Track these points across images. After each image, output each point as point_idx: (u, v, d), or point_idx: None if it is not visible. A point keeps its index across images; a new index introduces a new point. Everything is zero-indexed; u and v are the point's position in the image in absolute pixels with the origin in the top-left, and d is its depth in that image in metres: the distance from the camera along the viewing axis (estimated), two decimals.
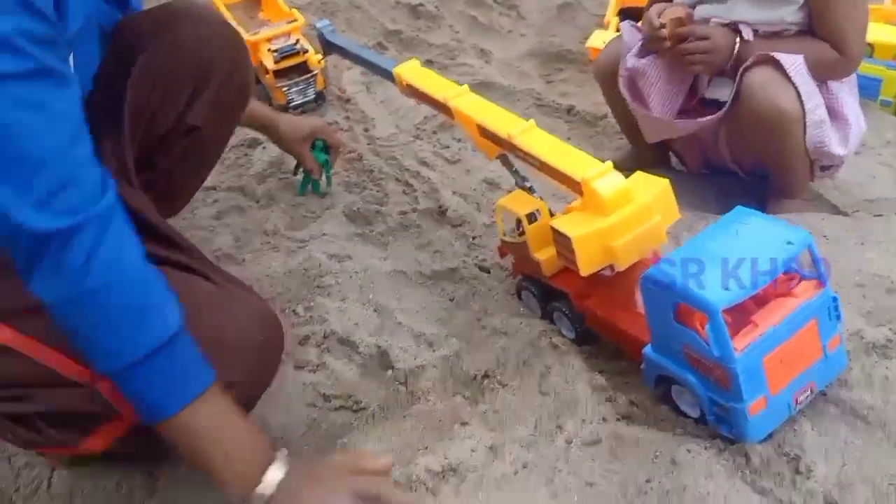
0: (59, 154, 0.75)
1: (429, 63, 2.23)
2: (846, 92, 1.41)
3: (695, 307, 0.87)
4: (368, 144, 1.79)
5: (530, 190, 1.20)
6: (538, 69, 2.30)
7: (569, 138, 1.90)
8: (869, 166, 1.63)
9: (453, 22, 2.42)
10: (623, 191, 1.01)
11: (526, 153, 1.11)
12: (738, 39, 1.38)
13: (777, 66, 1.31)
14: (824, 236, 1.30)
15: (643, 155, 1.72)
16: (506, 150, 1.17)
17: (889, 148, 1.74)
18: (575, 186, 1.04)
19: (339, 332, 1.17)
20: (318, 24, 1.61)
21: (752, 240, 0.91)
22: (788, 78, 1.30)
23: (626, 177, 1.05)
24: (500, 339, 1.15)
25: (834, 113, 1.38)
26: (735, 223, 0.95)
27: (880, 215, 1.44)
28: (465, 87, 1.25)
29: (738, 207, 0.98)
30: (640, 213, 1.00)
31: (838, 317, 0.93)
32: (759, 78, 1.32)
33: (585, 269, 1.02)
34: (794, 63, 1.31)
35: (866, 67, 1.92)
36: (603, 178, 1.01)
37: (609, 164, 1.03)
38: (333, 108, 1.94)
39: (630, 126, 1.67)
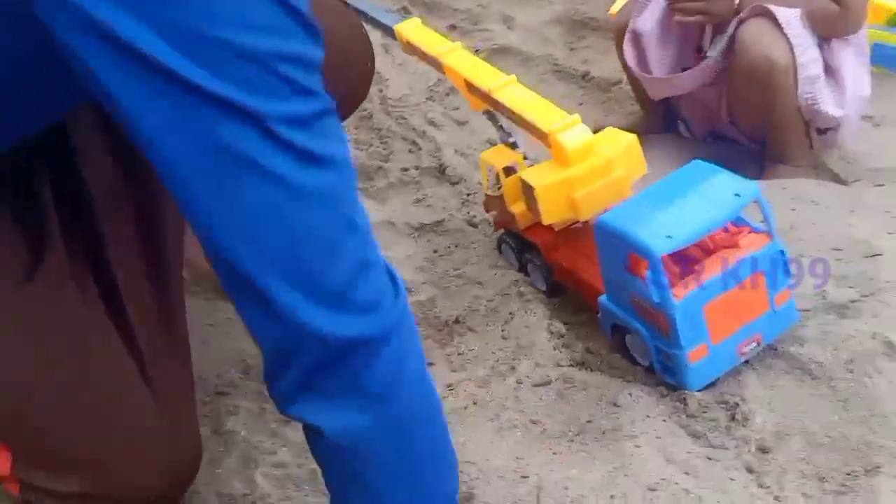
0: (350, 228, 0.56)
1: (451, 28, 2.26)
2: (850, 53, 1.39)
3: (637, 253, 0.90)
4: (381, 104, 1.84)
5: (513, 145, 1.24)
6: (562, 36, 2.30)
7: (581, 104, 1.91)
8: (883, 137, 1.59)
9: None
10: (588, 144, 1.03)
11: (503, 107, 1.14)
12: None
13: (771, 18, 1.30)
14: (812, 201, 1.29)
15: (652, 120, 1.73)
16: (487, 104, 1.20)
17: None
18: (544, 139, 1.08)
19: None
20: None
21: (702, 191, 0.93)
22: (782, 30, 1.30)
23: None
24: (475, 288, 1.20)
25: (831, 71, 1.37)
26: (689, 175, 0.97)
27: (882, 185, 1.41)
28: (458, 44, 1.29)
29: (696, 161, 1.00)
30: (603, 166, 1.03)
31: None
32: (753, 30, 1.32)
33: (548, 218, 1.05)
34: (789, 16, 1.30)
35: (893, 37, 1.87)
36: (568, 130, 1.04)
37: (576, 117, 1.05)
38: None
39: (641, 90, 1.68)
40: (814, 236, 1.17)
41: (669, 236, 0.88)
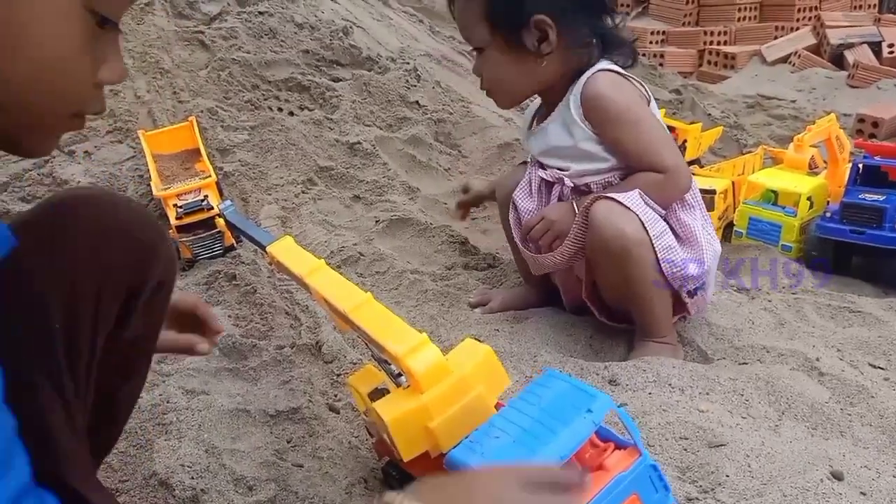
0: None
1: (355, 199, 2.33)
2: (697, 214, 1.47)
3: None
4: (269, 278, 1.85)
5: (386, 363, 1.10)
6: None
7: (467, 278, 1.94)
8: (753, 312, 1.63)
9: (389, 160, 2.54)
10: (439, 365, 0.93)
11: (359, 329, 1.03)
12: (565, 195, 1.48)
13: (615, 201, 1.38)
14: (669, 384, 1.29)
15: (533, 292, 1.77)
16: (348, 326, 1.08)
17: (781, 294, 1.76)
18: (397, 364, 0.97)
19: (160, 473, 1.18)
20: (220, 206, 1.68)
21: (553, 412, 0.85)
22: (629, 208, 1.37)
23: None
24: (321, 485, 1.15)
25: (685, 239, 1.44)
26: (542, 391, 0.89)
27: (745, 363, 1.43)
28: (322, 261, 1.17)
29: (549, 371, 0.94)
30: (457, 388, 0.91)
31: (665, 486, 0.84)
32: (603, 208, 1.39)
33: (406, 454, 0.93)
34: (630, 197, 1.38)
35: (768, 213, 1.99)
36: (417, 353, 0.93)
37: (424, 336, 0.96)
38: (249, 245, 2.03)
39: (523, 262, 1.73)
40: (662, 423, 1.16)
41: None
